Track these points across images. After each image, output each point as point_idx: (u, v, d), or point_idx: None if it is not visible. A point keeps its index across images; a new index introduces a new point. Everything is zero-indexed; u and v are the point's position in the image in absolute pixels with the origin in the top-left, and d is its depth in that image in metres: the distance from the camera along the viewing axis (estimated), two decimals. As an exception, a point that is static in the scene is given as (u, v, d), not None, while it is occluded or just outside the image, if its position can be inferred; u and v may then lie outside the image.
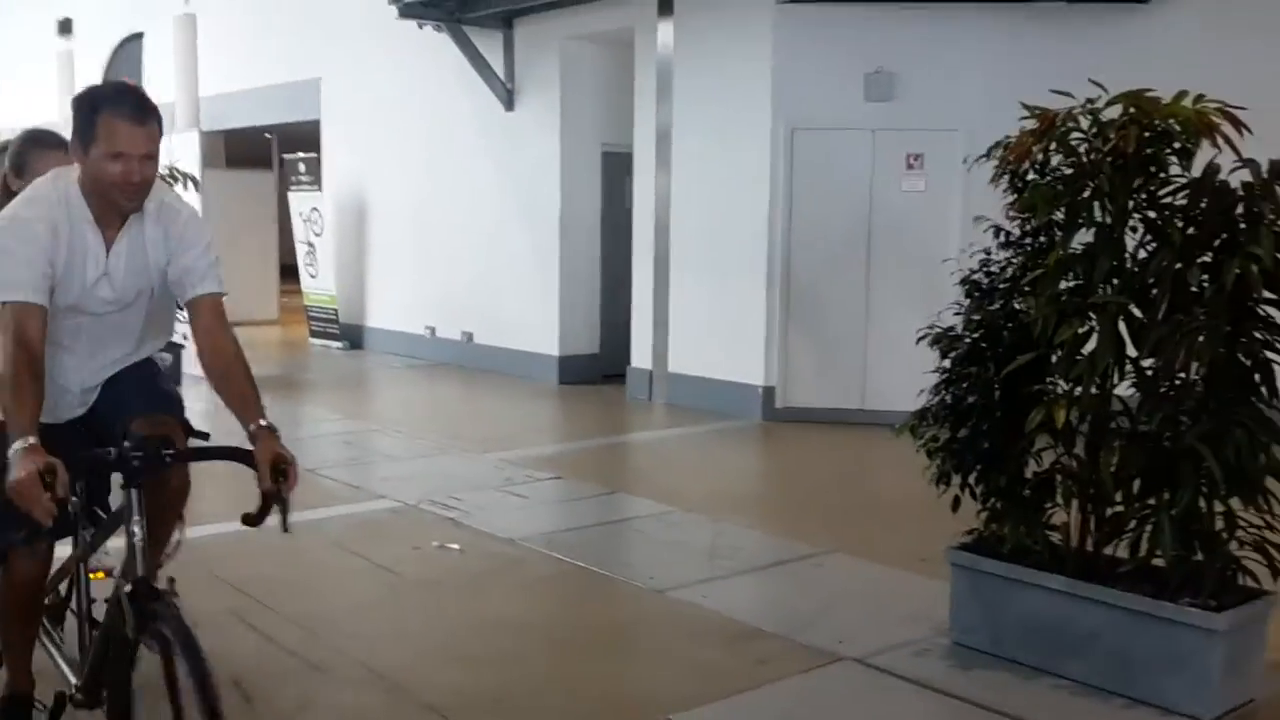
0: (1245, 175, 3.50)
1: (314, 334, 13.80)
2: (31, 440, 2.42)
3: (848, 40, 8.56)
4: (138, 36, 17.26)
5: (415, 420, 9.17)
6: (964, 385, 4.12)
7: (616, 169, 10.70)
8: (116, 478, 2.76)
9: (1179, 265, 3.54)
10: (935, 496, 4.14)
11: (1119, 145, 3.60)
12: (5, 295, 2.67)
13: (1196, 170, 3.63)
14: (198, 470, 2.99)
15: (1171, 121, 3.59)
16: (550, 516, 6.28)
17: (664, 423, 8.94)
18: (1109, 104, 3.69)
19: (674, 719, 3.54)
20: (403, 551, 5.34)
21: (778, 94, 8.68)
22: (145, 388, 3.06)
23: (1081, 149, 3.77)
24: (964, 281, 4.19)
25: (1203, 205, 3.54)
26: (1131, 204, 3.71)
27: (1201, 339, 3.44)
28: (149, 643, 2.53)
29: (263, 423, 2.60)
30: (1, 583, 2.96)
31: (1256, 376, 3.55)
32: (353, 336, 13.30)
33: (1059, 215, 3.86)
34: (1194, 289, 3.56)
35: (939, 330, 4.23)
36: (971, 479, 4.09)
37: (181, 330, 4.76)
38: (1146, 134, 3.60)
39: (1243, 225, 3.46)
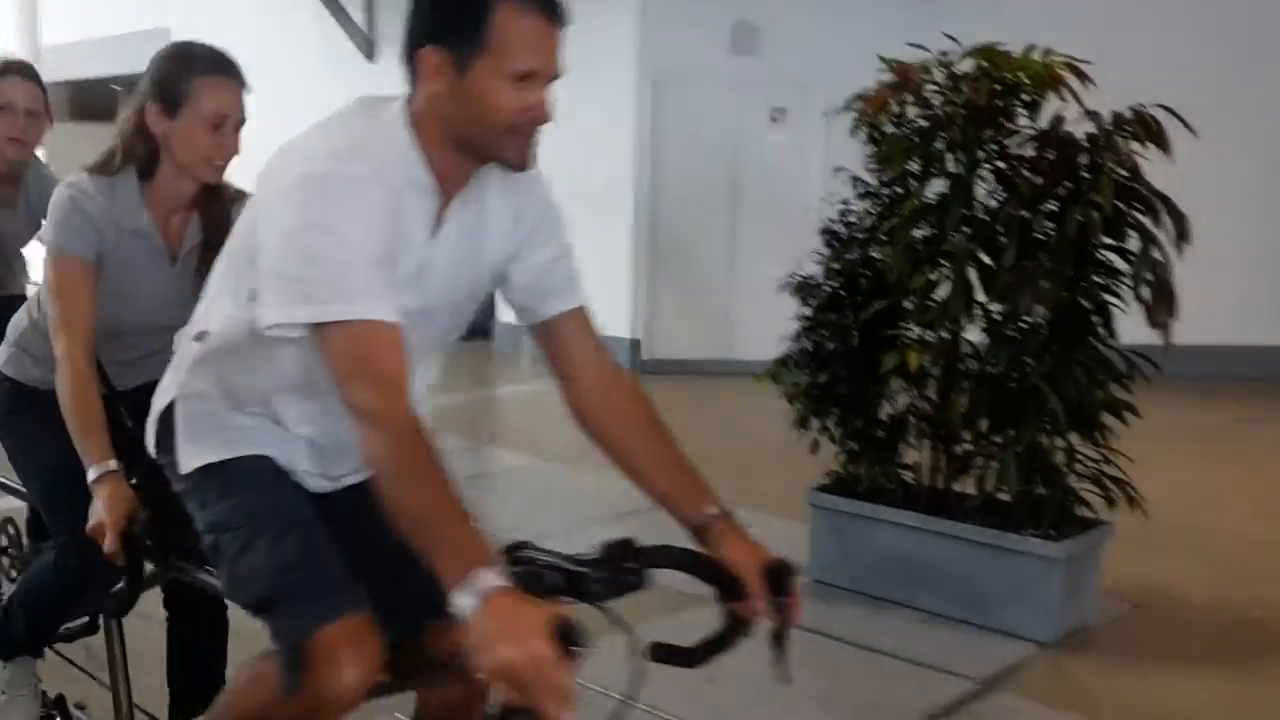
0: (1091, 126, 3.67)
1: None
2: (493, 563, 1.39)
3: (713, -6, 8.60)
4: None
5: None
6: (824, 332, 4.23)
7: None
8: None
9: (1026, 214, 3.70)
10: (797, 441, 4.26)
11: (971, 98, 3.73)
12: (343, 310, 1.53)
13: (1046, 122, 3.78)
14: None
15: (1020, 75, 3.73)
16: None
17: (531, 376, 8.93)
18: (962, 57, 3.81)
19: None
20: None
21: (643, 45, 8.68)
22: None
23: (936, 101, 3.89)
24: (824, 231, 4.29)
25: (1049, 156, 3.70)
26: (983, 155, 3.85)
27: (1045, 284, 3.60)
28: None
29: (718, 509, 1.73)
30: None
31: (1096, 319, 3.74)
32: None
33: (914, 166, 3.98)
34: (1040, 236, 3.72)
35: (800, 279, 4.32)
36: (830, 423, 4.22)
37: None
38: (997, 87, 3.74)
39: (1085, 175, 3.63)
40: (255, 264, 1.62)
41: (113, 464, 2.14)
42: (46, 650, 2.77)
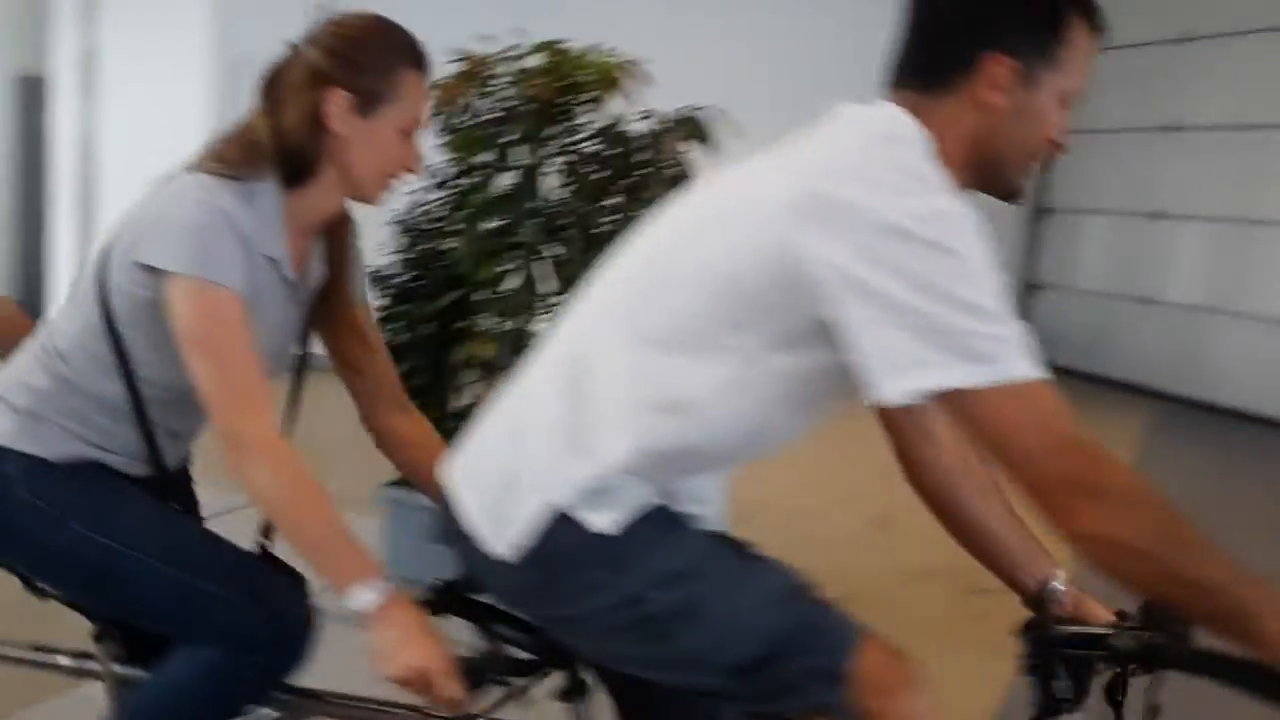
0: (647, 125, 3.84)
1: None
2: None
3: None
4: None
5: None
6: (400, 324, 4.17)
7: (31, 97, 9.55)
8: None
9: (590, 207, 3.82)
10: (368, 435, 4.14)
11: (539, 93, 3.80)
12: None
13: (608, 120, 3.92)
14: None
15: (583, 73, 3.85)
16: None
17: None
18: (527, 53, 3.88)
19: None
20: None
21: (220, 22, 8.19)
22: None
23: (507, 95, 3.93)
24: (395, 221, 4.22)
25: (608, 153, 3.84)
26: (551, 149, 3.94)
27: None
28: None
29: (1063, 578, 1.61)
30: None
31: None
32: None
33: (485, 158, 4.00)
34: (605, 229, 3.85)
35: (372, 271, 4.23)
36: (407, 414, 4.14)
37: None
38: (563, 83, 3.84)
39: (641, 172, 3.80)
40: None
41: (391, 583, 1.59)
42: None
